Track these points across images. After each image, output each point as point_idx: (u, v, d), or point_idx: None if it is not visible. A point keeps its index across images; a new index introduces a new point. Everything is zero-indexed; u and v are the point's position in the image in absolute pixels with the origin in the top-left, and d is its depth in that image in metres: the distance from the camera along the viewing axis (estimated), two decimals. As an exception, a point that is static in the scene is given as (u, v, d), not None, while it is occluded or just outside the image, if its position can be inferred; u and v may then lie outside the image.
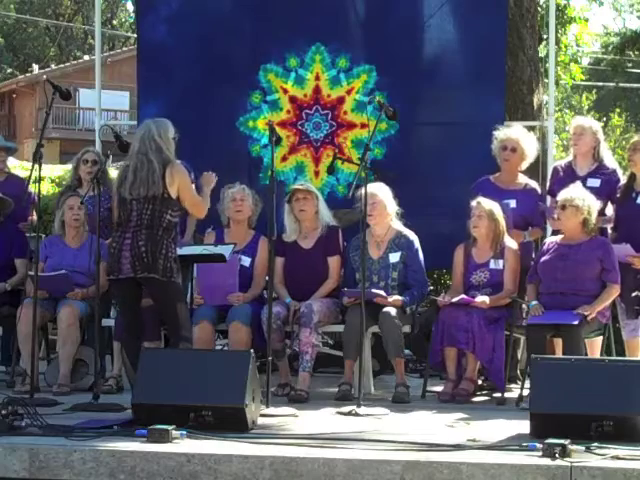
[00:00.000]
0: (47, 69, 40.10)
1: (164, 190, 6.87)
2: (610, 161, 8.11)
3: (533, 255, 8.08)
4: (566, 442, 5.32)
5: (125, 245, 6.89)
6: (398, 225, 7.89)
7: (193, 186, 7.17)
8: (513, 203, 7.90)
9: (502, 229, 7.68)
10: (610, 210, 7.92)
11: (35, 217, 8.36)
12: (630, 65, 32.08)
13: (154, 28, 9.49)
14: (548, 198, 8.15)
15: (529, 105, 10.69)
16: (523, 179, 8.14)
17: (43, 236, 8.48)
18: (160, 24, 9.45)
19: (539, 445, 5.40)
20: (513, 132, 8.09)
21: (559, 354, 7.08)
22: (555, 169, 8.24)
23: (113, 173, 9.77)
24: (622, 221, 7.78)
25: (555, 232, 7.85)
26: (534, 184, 8.17)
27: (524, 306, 7.59)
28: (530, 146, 8.07)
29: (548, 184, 8.27)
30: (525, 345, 7.76)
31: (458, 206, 8.01)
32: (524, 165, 8.11)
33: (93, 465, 5.49)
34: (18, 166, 9.09)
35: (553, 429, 5.55)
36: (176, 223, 7.02)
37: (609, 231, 8.02)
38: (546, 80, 10.53)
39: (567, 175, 7.99)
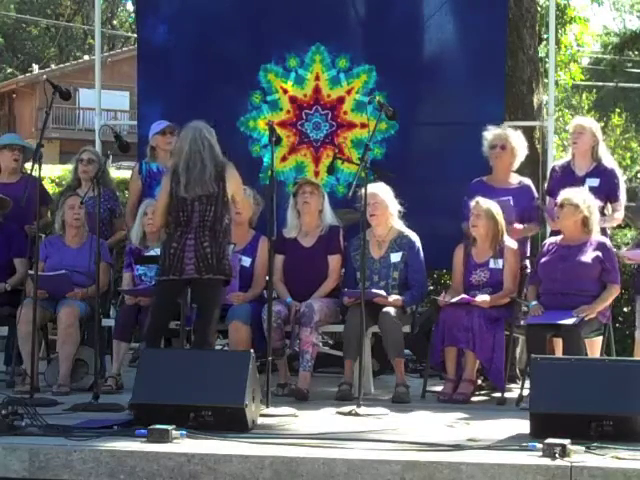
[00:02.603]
0: (47, 69, 40.10)
1: (224, 192, 6.95)
2: (608, 161, 8.12)
3: (528, 254, 8.10)
4: (566, 442, 5.32)
5: (188, 246, 6.90)
6: (400, 225, 7.90)
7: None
8: (510, 200, 7.91)
9: (501, 228, 7.68)
10: (609, 210, 7.93)
11: (49, 218, 8.40)
12: (630, 65, 32.08)
13: (154, 28, 9.48)
14: (547, 199, 8.15)
15: (529, 105, 10.68)
16: (516, 177, 8.17)
17: (43, 236, 8.48)
18: (160, 24, 9.44)
19: (539, 445, 5.41)
20: (501, 131, 8.12)
21: (559, 354, 7.08)
22: (553, 169, 8.26)
23: (113, 173, 9.80)
24: None
25: (554, 233, 7.85)
26: (528, 181, 8.21)
27: (523, 307, 7.61)
28: (519, 144, 8.10)
29: (546, 185, 8.28)
30: (525, 345, 7.76)
31: (458, 206, 8.02)
32: (515, 164, 8.14)
33: (93, 465, 5.50)
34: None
35: (553, 429, 5.56)
36: (230, 226, 7.12)
37: (608, 231, 8.02)
38: (546, 80, 10.52)
39: (565, 175, 8.00)
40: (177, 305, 7.12)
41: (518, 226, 7.92)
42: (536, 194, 8.19)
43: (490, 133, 8.11)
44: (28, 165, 8.14)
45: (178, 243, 6.92)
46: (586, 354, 7.19)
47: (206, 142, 6.97)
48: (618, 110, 38.45)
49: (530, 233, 8.16)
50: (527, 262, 7.97)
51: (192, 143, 6.97)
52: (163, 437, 5.64)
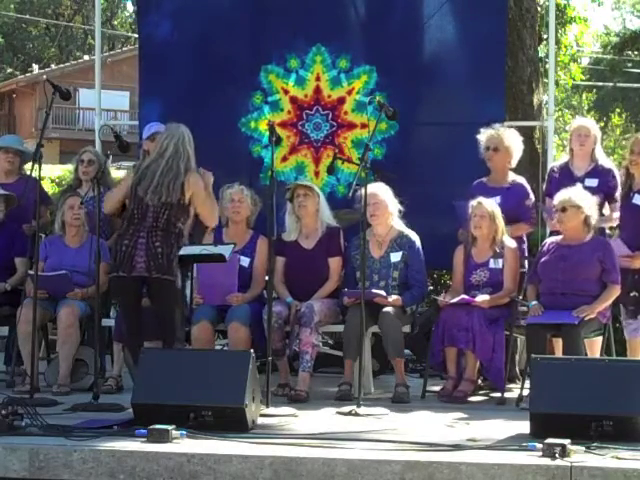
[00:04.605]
0: (47, 69, 40.12)
1: (181, 197, 6.95)
2: (606, 161, 8.13)
3: (526, 254, 8.10)
4: (566, 442, 5.32)
5: (139, 244, 6.93)
6: (400, 225, 7.90)
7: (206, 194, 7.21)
8: (498, 200, 7.89)
9: (502, 229, 7.69)
10: (607, 210, 7.93)
11: (48, 218, 8.39)
12: (630, 65, 32.09)
13: (155, 28, 9.49)
14: (546, 199, 8.15)
15: (529, 105, 10.70)
16: (512, 176, 8.17)
17: (43, 236, 8.48)
18: (161, 24, 9.46)
19: (539, 445, 5.41)
20: (494, 132, 8.11)
21: (559, 354, 7.08)
22: (551, 170, 8.26)
23: (113, 173, 9.80)
24: (622, 221, 7.80)
25: (553, 233, 7.85)
26: (521, 179, 8.19)
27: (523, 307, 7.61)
28: (513, 143, 8.08)
29: (545, 186, 8.28)
30: (525, 345, 7.76)
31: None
32: (513, 162, 8.13)
33: (93, 465, 5.50)
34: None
35: (553, 429, 5.56)
36: (183, 230, 7.13)
37: (607, 231, 8.03)
38: (546, 80, 10.53)
39: (564, 176, 8.00)
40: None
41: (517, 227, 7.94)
42: (531, 194, 8.17)
43: (484, 135, 8.11)
44: (28, 166, 8.14)
45: (130, 241, 6.96)
46: (586, 354, 7.20)
47: (185, 153, 6.99)
48: (618, 110, 38.47)
49: (518, 233, 8.08)
50: (525, 262, 7.96)
51: (175, 148, 7.00)
52: (163, 437, 5.64)
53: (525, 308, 7.59)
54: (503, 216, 7.73)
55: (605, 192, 7.88)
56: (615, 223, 8.13)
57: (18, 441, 5.67)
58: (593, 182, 7.87)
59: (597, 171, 7.98)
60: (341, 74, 9.04)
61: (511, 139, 8.08)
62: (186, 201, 7.01)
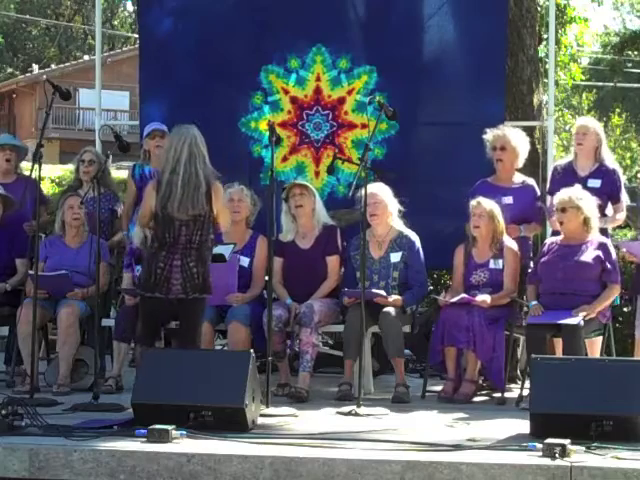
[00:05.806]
0: (47, 69, 40.13)
1: (210, 211, 6.80)
2: (610, 161, 8.12)
3: (531, 254, 8.10)
4: (566, 442, 5.32)
5: (175, 267, 6.78)
6: (399, 225, 7.90)
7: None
8: (510, 200, 7.91)
9: (502, 229, 7.69)
10: (610, 210, 7.93)
11: (47, 218, 8.40)
12: (630, 65, 32.08)
13: (155, 28, 9.49)
14: (548, 198, 8.15)
15: (529, 105, 10.67)
16: (520, 176, 8.17)
17: (43, 236, 8.49)
18: (161, 24, 9.45)
19: (539, 445, 5.41)
20: (500, 132, 8.10)
21: (559, 354, 7.08)
22: (555, 169, 8.25)
23: (113, 173, 9.80)
24: None
25: (555, 232, 7.86)
26: (531, 181, 8.21)
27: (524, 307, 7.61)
28: (520, 142, 8.08)
29: (548, 184, 8.28)
30: (525, 345, 7.76)
31: (458, 206, 8.01)
32: (520, 162, 8.12)
33: (93, 465, 5.50)
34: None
35: (553, 429, 5.56)
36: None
37: (609, 231, 8.02)
38: (546, 80, 10.52)
39: (567, 175, 7.99)
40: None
41: (512, 227, 7.92)
42: (539, 194, 8.19)
43: (490, 135, 8.10)
44: (27, 165, 8.14)
45: (164, 264, 6.78)
46: (586, 354, 7.20)
47: (200, 155, 6.79)
48: (618, 110, 38.47)
49: (530, 233, 8.16)
50: (530, 262, 7.96)
51: (189, 151, 6.77)
52: (163, 437, 5.64)
53: (526, 308, 7.58)
54: (519, 214, 7.73)
55: (608, 193, 7.88)
56: (618, 224, 8.13)
57: (18, 441, 5.67)
58: (596, 183, 7.87)
59: (601, 171, 7.96)
60: (341, 74, 9.04)
61: (518, 139, 8.08)
62: (213, 212, 6.83)
